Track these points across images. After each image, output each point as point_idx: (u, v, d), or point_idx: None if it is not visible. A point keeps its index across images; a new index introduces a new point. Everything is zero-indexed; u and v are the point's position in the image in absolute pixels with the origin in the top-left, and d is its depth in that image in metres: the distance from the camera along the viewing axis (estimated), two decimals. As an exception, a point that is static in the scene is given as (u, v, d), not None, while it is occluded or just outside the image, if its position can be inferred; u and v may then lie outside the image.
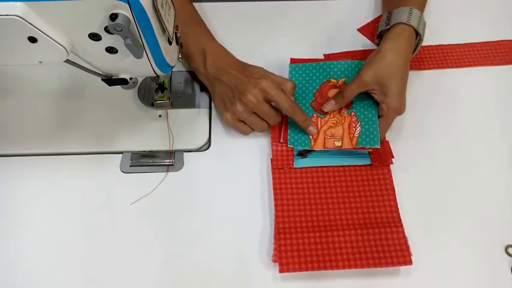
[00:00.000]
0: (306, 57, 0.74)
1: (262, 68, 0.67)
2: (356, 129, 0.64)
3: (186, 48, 0.69)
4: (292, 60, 0.71)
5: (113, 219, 0.62)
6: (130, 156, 0.66)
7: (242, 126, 0.66)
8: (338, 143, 0.64)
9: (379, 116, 0.65)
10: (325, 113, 0.66)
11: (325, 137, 0.64)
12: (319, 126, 0.65)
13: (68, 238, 0.60)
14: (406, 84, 0.66)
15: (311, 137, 0.65)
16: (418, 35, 0.68)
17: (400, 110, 0.65)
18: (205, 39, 0.70)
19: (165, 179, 0.65)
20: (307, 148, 0.64)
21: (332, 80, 0.68)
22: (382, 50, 0.65)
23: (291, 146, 0.64)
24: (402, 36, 0.66)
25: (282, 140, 0.65)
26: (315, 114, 0.66)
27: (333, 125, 0.65)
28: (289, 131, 0.65)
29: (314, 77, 0.69)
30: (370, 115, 0.65)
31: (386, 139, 0.67)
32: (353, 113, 0.66)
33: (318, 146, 0.64)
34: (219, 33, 0.77)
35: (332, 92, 0.68)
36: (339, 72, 0.69)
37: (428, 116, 0.70)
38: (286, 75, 0.74)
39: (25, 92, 0.72)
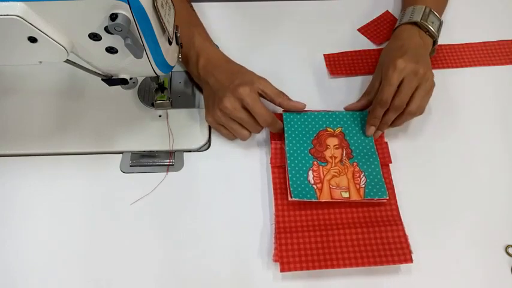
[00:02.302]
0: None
1: (253, 74, 0.65)
2: (361, 179, 0.62)
3: (182, 50, 0.68)
4: (285, 111, 0.68)
5: (113, 219, 0.62)
6: (130, 156, 0.66)
7: (224, 130, 0.66)
8: (345, 194, 0.61)
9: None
10: (326, 162, 0.64)
11: (330, 187, 0.62)
12: (322, 176, 0.63)
13: (68, 238, 0.60)
14: (415, 54, 0.64)
15: (316, 188, 0.62)
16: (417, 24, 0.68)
17: (402, 68, 0.61)
18: (200, 42, 0.69)
19: (165, 179, 0.65)
20: (313, 200, 0.61)
21: (329, 129, 0.67)
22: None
23: (296, 199, 0.61)
24: (400, 33, 0.69)
25: (289, 198, 0.61)
26: (315, 162, 0.64)
27: (336, 174, 0.63)
28: (291, 182, 0.62)
29: (310, 125, 0.67)
30: (372, 166, 0.63)
31: (385, 140, 0.67)
32: (355, 163, 0.64)
33: (325, 197, 0.61)
34: (218, 33, 0.78)
35: (330, 140, 0.66)
36: (334, 122, 0.67)
37: (428, 116, 0.70)
38: (285, 75, 0.75)
39: (25, 92, 0.72)
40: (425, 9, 0.69)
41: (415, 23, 0.69)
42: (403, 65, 0.61)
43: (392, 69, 0.62)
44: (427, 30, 0.69)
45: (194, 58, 0.68)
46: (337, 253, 0.58)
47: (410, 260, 0.57)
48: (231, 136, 0.67)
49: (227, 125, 0.65)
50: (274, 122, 0.64)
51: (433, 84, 0.64)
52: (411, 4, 0.72)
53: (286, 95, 0.65)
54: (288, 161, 0.64)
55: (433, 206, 0.63)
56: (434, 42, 0.70)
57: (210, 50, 0.69)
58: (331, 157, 0.64)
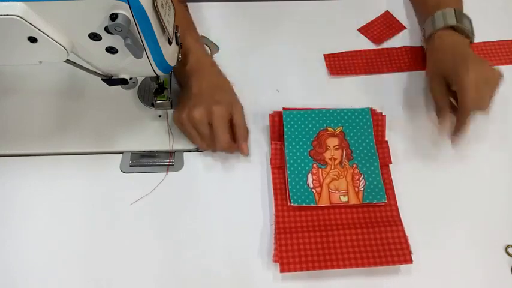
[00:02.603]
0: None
1: (234, 95, 0.66)
2: (360, 182, 0.62)
3: None
4: (285, 109, 0.68)
5: (113, 219, 0.62)
6: (130, 156, 0.66)
7: (185, 132, 0.66)
8: (344, 198, 0.61)
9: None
10: (326, 164, 0.64)
11: (329, 191, 0.62)
12: (321, 179, 0.63)
13: (68, 238, 0.60)
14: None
15: (315, 192, 0.62)
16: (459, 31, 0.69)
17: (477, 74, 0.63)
18: (191, 43, 0.68)
19: (165, 179, 0.65)
20: (312, 205, 0.61)
21: (329, 128, 0.66)
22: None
23: (295, 204, 0.61)
24: (443, 40, 0.69)
25: (288, 203, 0.61)
26: (315, 165, 0.64)
27: (335, 177, 0.63)
28: (290, 187, 0.62)
29: (310, 125, 0.66)
30: (372, 167, 0.63)
31: (386, 139, 0.67)
32: (355, 165, 0.63)
33: (324, 202, 0.61)
34: (218, 33, 0.78)
35: (330, 141, 0.66)
36: (335, 121, 0.67)
37: (428, 116, 0.70)
38: (285, 75, 0.75)
39: (25, 91, 0.72)
40: (455, 11, 0.69)
41: (451, 27, 0.69)
42: (474, 73, 0.62)
43: (467, 79, 0.62)
44: (463, 32, 0.69)
45: (182, 58, 0.67)
46: (337, 254, 0.58)
47: (410, 261, 0.57)
48: (191, 139, 0.66)
49: (186, 129, 0.65)
50: (229, 148, 0.64)
51: (499, 82, 0.65)
52: (435, 9, 0.71)
53: (246, 137, 0.65)
54: (288, 165, 0.64)
55: (433, 207, 0.63)
56: (470, 42, 0.70)
57: (200, 52, 0.68)
58: (330, 159, 0.64)
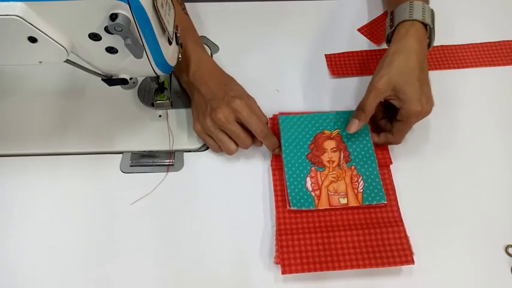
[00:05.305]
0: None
1: (243, 88, 0.65)
2: (359, 183, 0.62)
3: None
4: (281, 113, 0.68)
5: (113, 219, 0.62)
6: (130, 156, 0.66)
7: (210, 141, 0.65)
8: (343, 201, 0.61)
9: (398, 121, 0.62)
10: (324, 166, 0.63)
11: (328, 193, 0.62)
12: (320, 182, 0.62)
13: (67, 238, 0.60)
14: (425, 84, 0.61)
15: (314, 195, 0.61)
16: (427, 26, 0.64)
17: (421, 113, 0.61)
18: (192, 47, 0.67)
19: (165, 179, 0.65)
20: (311, 208, 0.61)
21: (326, 131, 0.66)
22: (389, 54, 0.62)
23: (295, 208, 0.61)
24: (408, 35, 0.62)
25: (288, 207, 0.61)
26: (313, 168, 0.63)
27: (333, 179, 0.62)
28: (289, 191, 0.61)
29: (307, 129, 0.66)
30: (370, 168, 0.63)
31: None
32: (353, 167, 0.63)
33: (323, 205, 0.61)
34: (218, 34, 0.78)
35: (328, 144, 0.65)
36: (332, 123, 0.66)
37: (429, 117, 0.70)
38: (285, 75, 0.75)
39: (25, 92, 0.72)
40: (423, 5, 0.64)
41: (423, 24, 0.63)
42: (421, 107, 0.60)
43: (415, 102, 0.60)
44: (430, 34, 0.65)
45: (184, 63, 0.67)
46: (338, 255, 0.57)
47: (412, 262, 0.57)
48: (217, 148, 0.65)
49: (215, 136, 0.63)
50: (266, 134, 0.62)
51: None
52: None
53: (268, 128, 0.63)
54: (286, 169, 0.63)
55: (434, 207, 0.63)
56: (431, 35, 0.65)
57: (202, 55, 0.68)
58: (328, 161, 0.64)
